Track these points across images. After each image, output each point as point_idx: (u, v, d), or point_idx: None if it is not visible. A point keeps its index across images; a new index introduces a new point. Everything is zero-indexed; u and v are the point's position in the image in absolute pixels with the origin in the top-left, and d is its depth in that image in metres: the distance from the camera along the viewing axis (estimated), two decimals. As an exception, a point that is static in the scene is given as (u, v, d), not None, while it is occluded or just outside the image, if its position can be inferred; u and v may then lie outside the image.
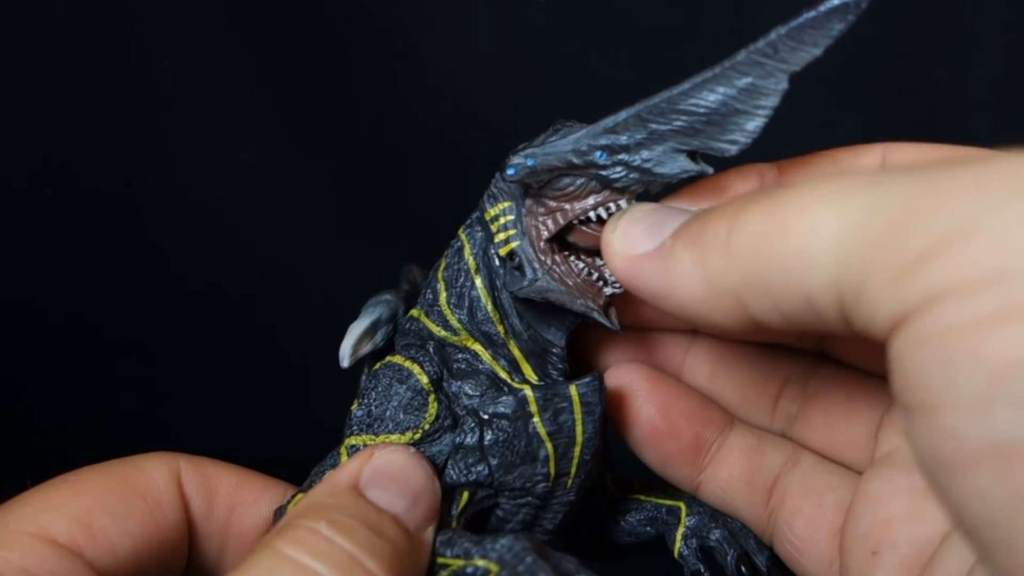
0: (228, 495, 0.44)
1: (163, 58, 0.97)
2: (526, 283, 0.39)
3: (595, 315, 0.39)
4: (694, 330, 0.44)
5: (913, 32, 0.89)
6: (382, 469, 0.38)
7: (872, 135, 0.38)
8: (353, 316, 0.43)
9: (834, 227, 0.27)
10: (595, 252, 0.39)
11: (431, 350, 0.41)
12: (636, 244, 0.34)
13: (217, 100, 0.97)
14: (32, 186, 0.97)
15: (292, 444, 0.64)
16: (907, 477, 0.38)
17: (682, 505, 0.44)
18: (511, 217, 0.39)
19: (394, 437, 0.40)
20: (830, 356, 0.43)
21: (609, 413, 0.42)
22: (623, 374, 0.43)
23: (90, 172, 0.98)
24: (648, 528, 0.45)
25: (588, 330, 0.43)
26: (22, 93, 0.95)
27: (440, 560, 0.37)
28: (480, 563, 0.35)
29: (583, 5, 0.95)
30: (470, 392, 0.40)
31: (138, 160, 0.98)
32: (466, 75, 0.97)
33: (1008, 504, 0.24)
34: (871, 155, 0.37)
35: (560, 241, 0.40)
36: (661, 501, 0.45)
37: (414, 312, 0.43)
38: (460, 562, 0.36)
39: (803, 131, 0.37)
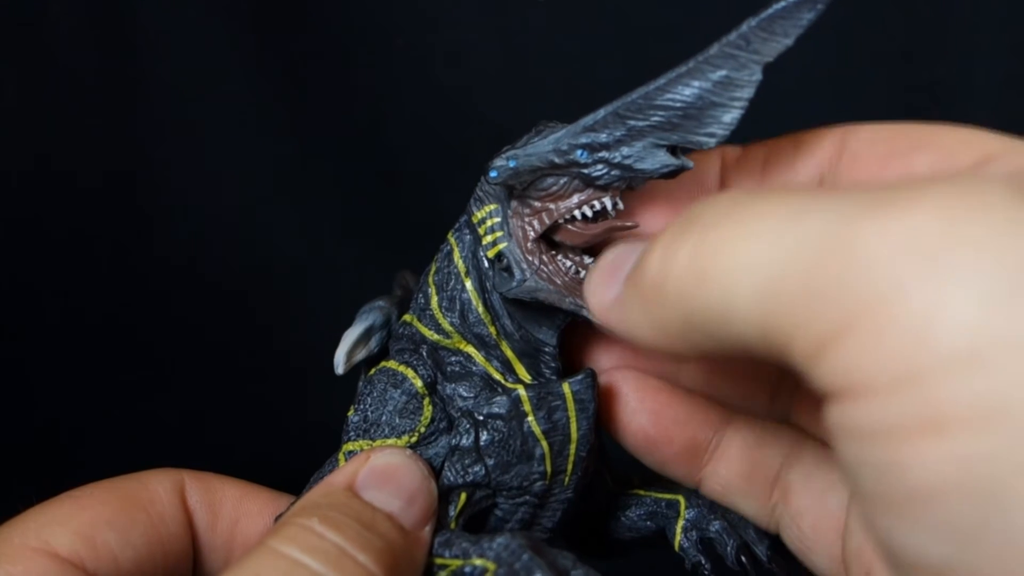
0: (232, 508, 0.44)
1: (163, 58, 0.97)
2: (515, 284, 0.39)
3: (584, 313, 0.39)
4: None
5: (913, 32, 0.88)
6: (378, 470, 0.38)
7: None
8: (352, 317, 0.44)
9: (752, 279, 0.25)
10: (582, 250, 0.40)
11: (424, 354, 0.41)
12: (603, 294, 0.35)
13: (217, 99, 0.98)
14: (30, 185, 0.98)
15: (292, 447, 0.65)
16: None
17: (681, 498, 0.45)
18: (497, 219, 0.40)
19: (391, 441, 0.40)
20: None
21: (602, 420, 0.42)
22: (613, 382, 0.43)
23: (90, 171, 0.99)
24: (648, 522, 0.45)
25: (579, 329, 0.43)
26: (22, 90, 0.96)
27: (439, 561, 0.38)
28: (478, 562, 0.36)
29: (583, 5, 0.95)
30: (464, 394, 0.41)
31: (138, 159, 0.99)
32: (466, 75, 0.97)
33: None
34: (830, 138, 0.37)
35: (547, 241, 0.40)
36: (660, 495, 0.45)
37: (407, 317, 0.43)
38: (458, 562, 0.37)
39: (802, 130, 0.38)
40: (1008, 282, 0.21)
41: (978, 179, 0.23)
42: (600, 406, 0.41)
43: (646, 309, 0.30)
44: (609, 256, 0.36)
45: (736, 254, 0.26)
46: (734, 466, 0.42)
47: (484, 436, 0.40)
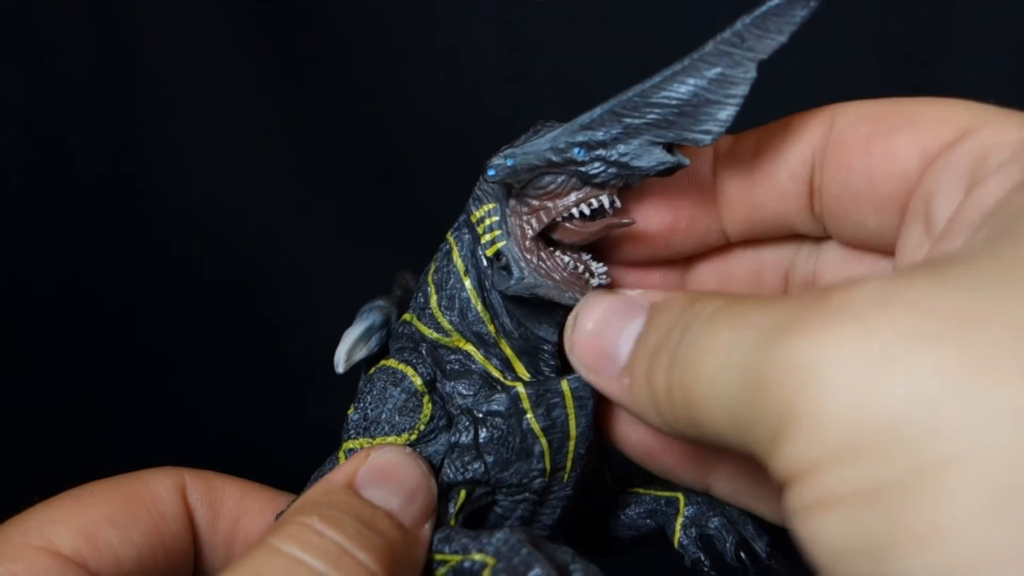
0: (233, 506, 0.44)
1: (163, 58, 0.98)
2: (513, 282, 0.39)
3: None
4: None
5: (913, 32, 0.89)
6: (377, 468, 0.39)
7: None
8: (352, 317, 0.44)
9: (723, 407, 0.29)
10: (580, 247, 0.40)
11: (424, 352, 0.42)
12: (599, 366, 0.37)
13: (217, 100, 0.98)
14: (31, 185, 0.98)
15: (292, 446, 0.65)
16: None
17: (680, 495, 0.45)
18: (496, 218, 0.40)
19: (390, 439, 0.41)
20: None
21: (603, 430, 0.42)
22: None
23: (90, 171, 0.99)
24: (648, 520, 0.45)
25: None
26: (22, 90, 0.96)
27: (438, 557, 0.38)
28: (477, 557, 0.36)
29: (583, 5, 0.95)
30: (464, 392, 0.41)
31: (138, 159, 0.99)
32: (466, 75, 0.98)
33: None
34: (818, 120, 0.37)
35: (546, 239, 0.40)
36: (659, 493, 0.45)
37: (407, 316, 0.43)
38: (458, 557, 0.37)
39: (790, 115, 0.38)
40: (867, 389, 0.24)
41: (846, 300, 0.26)
42: (600, 416, 0.41)
43: (659, 414, 0.33)
44: (589, 323, 0.38)
45: (707, 386, 0.30)
46: (740, 468, 0.42)
47: (483, 433, 0.40)
